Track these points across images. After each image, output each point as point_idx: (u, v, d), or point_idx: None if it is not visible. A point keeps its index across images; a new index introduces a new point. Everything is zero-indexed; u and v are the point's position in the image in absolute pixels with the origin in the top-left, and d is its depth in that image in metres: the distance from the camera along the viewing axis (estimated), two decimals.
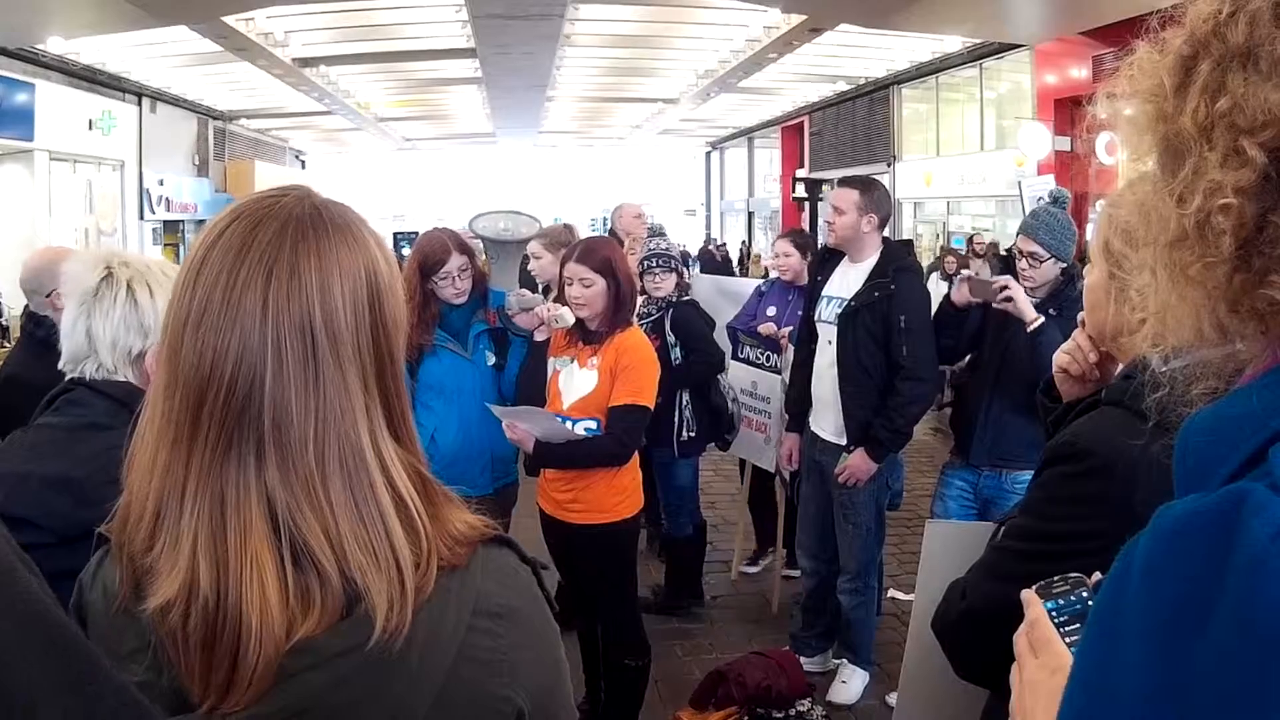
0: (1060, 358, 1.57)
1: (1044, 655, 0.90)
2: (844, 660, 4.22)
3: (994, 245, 12.86)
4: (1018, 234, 3.77)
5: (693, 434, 4.68)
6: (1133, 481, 1.25)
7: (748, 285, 5.70)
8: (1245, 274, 0.64)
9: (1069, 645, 0.90)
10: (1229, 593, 0.54)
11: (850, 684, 4.10)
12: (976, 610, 1.42)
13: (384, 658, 0.82)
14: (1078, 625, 0.92)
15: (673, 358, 4.54)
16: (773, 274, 5.53)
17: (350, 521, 0.85)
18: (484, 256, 4.17)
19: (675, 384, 4.48)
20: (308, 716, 0.81)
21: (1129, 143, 0.73)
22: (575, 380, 3.35)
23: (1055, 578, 0.97)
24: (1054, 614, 0.93)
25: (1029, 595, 0.96)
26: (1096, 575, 0.96)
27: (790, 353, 4.55)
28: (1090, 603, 0.93)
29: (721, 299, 5.57)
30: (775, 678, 3.76)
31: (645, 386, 3.30)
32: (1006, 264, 4.47)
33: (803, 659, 4.12)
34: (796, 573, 4.71)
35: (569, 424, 3.29)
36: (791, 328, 4.63)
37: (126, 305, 1.78)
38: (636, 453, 3.42)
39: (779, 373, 4.75)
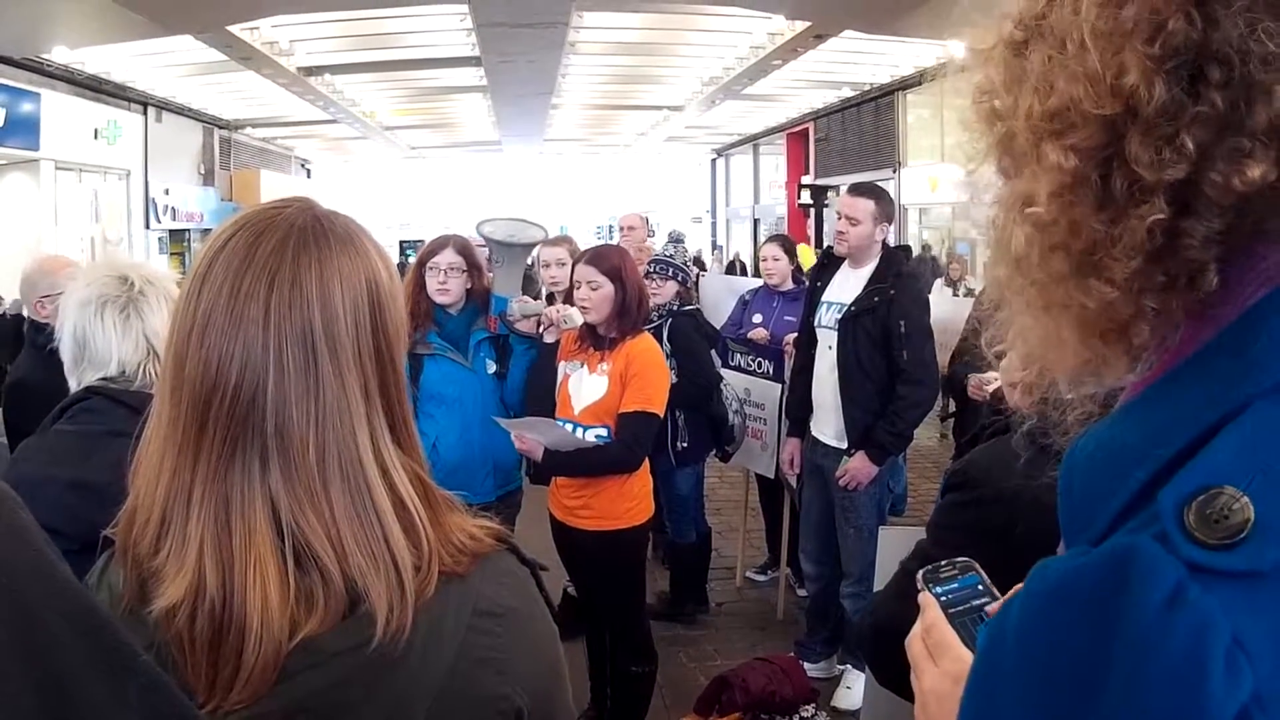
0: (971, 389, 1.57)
1: (944, 661, 0.84)
2: (848, 666, 4.22)
3: None
4: None
5: (686, 444, 4.65)
6: (1012, 515, 1.27)
7: (757, 285, 5.69)
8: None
9: (958, 629, 0.86)
10: (1118, 670, 0.47)
11: (854, 690, 4.08)
12: (880, 627, 1.44)
13: (385, 658, 0.84)
14: (964, 608, 0.87)
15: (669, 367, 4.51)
16: (754, 282, 5.55)
17: (350, 525, 0.87)
18: (489, 262, 4.18)
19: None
20: (307, 714, 0.83)
21: (965, 148, 0.63)
22: (585, 386, 3.35)
23: (943, 562, 0.92)
24: (943, 599, 0.88)
25: (925, 598, 0.89)
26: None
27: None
28: (980, 586, 0.89)
29: (732, 298, 5.59)
30: (779, 683, 3.75)
31: (655, 393, 3.31)
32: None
33: (807, 665, 4.12)
34: (804, 592, 4.70)
35: (578, 430, 3.30)
36: (794, 334, 4.63)
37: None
38: (647, 460, 3.42)
39: (773, 379, 4.75)
